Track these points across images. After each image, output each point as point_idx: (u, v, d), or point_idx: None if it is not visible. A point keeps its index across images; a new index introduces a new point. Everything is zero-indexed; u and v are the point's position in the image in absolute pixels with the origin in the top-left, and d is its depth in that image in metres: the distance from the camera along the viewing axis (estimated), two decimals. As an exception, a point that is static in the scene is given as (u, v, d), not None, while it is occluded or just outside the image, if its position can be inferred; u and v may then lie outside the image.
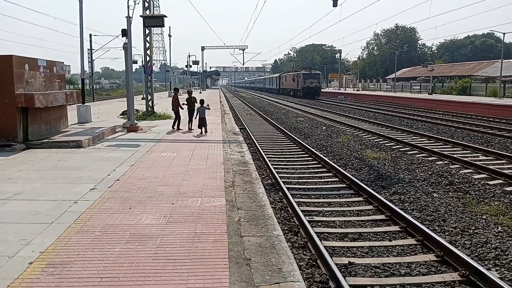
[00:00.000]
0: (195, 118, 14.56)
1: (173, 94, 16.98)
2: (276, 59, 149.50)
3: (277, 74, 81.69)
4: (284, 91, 68.10)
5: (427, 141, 15.18)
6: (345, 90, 64.57)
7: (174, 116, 15.62)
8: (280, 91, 71.67)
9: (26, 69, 10.81)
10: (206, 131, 14.15)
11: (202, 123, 14.10)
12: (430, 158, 11.89)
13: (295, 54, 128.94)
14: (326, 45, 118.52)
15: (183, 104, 15.41)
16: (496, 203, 7.72)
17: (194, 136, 13.62)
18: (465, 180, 9.28)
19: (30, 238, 4.56)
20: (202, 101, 14.62)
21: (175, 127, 15.28)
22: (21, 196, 6.28)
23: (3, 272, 3.79)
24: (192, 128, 14.91)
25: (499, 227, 6.50)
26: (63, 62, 13.67)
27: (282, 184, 8.57)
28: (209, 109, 15.27)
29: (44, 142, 11.02)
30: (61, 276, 3.69)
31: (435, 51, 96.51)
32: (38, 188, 6.71)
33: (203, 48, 75.75)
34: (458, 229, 6.38)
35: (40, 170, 8.15)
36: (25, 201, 6.00)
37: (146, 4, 19.28)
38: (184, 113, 15.44)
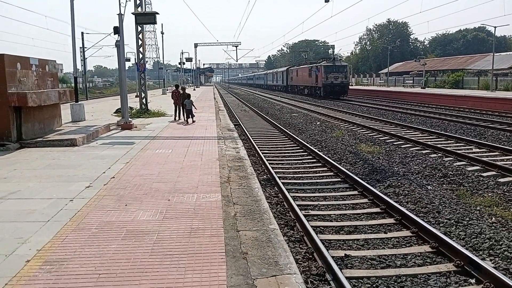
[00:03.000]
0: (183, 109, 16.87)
1: (173, 89, 18.78)
2: (269, 55, 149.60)
3: (284, 68, 64.96)
4: (294, 89, 54.38)
5: (420, 135, 15.27)
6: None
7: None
8: (289, 88, 57.86)
9: (18, 68, 10.73)
10: (193, 121, 16.54)
11: (188, 114, 16.61)
12: (424, 151, 11.97)
13: (288, 50, 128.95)
14: (319, 40, 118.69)
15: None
16: (489, 194, 7.80)
17: (185, 126, 15.63)
18: (459, 172, 9.36)
19: (26, 237, 4.55)
20: (188, 96, 17.00)
21: (176, 118, 17.36)
22: (16, 195, 6.26)
23: (0, 270, 3.78)
24: (188, 121, 16.73)
25: (493, 218, 6.57)
26: (55, 61, 13.58)
27: (277, 179, 8.59)
28: (195, 108, 17.36)
29: (38, 141, 10.97)
30: (59, 274, 3.70)
31: (428, 45, 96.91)
32: (33, 187, 6.69)
33: (196, 45, 75.50)
34: (453, 221, 6.44)
35: (34, 169, 8.12)
36: (20, 200, 5.99)
37: (138, 1, 19.18)
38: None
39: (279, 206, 7.25)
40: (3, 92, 10.15)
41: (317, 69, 42.89)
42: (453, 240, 5.47)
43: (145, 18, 18.34)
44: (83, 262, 3.92)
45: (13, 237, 4.55)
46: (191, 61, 73.12)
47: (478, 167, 9.77)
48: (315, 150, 11.78)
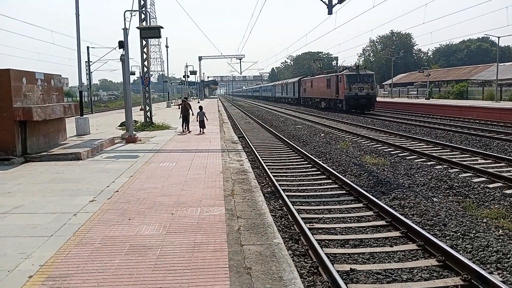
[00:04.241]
0: (197, 121, 17.99)
1: (182, 102, 20.07)
2: (273, 67, 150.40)
3: (296, 78, 60.20)
4: (308, 102, 49.87)
5: (425, 146, 15.20)
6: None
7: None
8: (301, 101, 53.52)
9: (23, 82, 10.83)
10: (203, 132, 17.48)
11: (201, 125, 17.64)
12: (429, 163, 11.90)
13: (292, 62, 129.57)
14: (322, 52, 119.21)
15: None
16: (496, 206, 7.72)
17: (193, 135, 16.55)
18: (465, 184, 9.28)
19: (29, 252, 4.54)
20: (200, 108, 18.33)
21: (184, 128, 18.28)
22: (20, 209, 6.26)
23: (2, 286, 3.76)
24: (190, 130, 18.15)
25: (500, 230, 6.49)
26: (60, 75, 13.70)
27: (281, 191, 8.55)
28: (207, 119, 18.40)
29: (43, 155, 11.01)
30: (61, 289, 3.67)
31: (431, 56, 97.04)
32: (37, 201, 6.69)
33: (200, 58, 76.25)
34: (459, 233, 6.36)
35: (39, 183, 8.13)
36: (24, 215, 5.98)
37: (143, 16, 19.40)
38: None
39: (283, 219, 7.20)
40: (9, 106, 10.24)
41: (338, 79, 37.62)
42: (460, 253, 5.40)
43: (150, 32, 18.53)
44: (86, 278, 3.89)
45: (16, 252, 4.54)
46: (195, 74, 73.74)
47: (484, 179, 9.69)
48: (320, 162, 11.74)
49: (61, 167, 9.84)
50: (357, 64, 47.56)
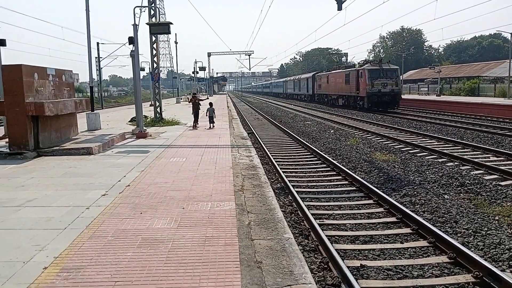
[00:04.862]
0: (207, 115, 18.32)
1: (192, 98, 20.33)
2: (282, 64, 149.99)
3: (310, 74, 56.94)
4: (323, 99, 46.73)
5: (436, 143, 15.09)
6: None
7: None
8: (316, 98, 50.60)
9: (35, 78, 10.95)
10: (213, 127, 17.95)
11: (211, 120, 18.17)
12: (440, 160, 11.81)
13: (301, 58, 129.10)
14: (332, 48, 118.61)
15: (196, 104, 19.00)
16: (508, 204, 7.64)
17: (203, 131, 16.79)
18: (476, 181, 9.20)
19: (44, 244, 4.61)
20: (211, 104, 18.61)
21: (196, 125, 18.46)
22: (33, 202, 6.35)
23: (18, 277, 3.83)
24: (197, 125, 18.53)
25: (512, 228, 6.43)
26: (71, 71, 13.82)
27: (291, 187, 8.56)
28: (215, 115, 19.10)
29: (55, 149, 11.14)
30: (75, 281, 3.73)
31: (442, 52, 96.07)
32: (50, 195, 6.78)
33: (209, 54, 76.21)
34: (471, 231, 6.32)
35: (51, 177, 8.24)
36: (37, 208, 6.07)
37: (152, 12, 19.46)
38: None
39: (293, 215, 7.21)
40: (21, 101, 10.36)
41: (358, 74, 34.27)
42: (472, 251, 5.36)
43: (159, 28, 18.60)
44: (99, 270, 3.95)
45: (30, 244, 4.61)
46: (205, 70, 73.80)
47: (496, 176, 9.60)
48: (329, 159, 11.71)
49: (73, 162, 9.95)
50: (380, 57, 43.00)
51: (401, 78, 35.42)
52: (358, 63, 39.25)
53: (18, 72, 10.33)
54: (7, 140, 11.36)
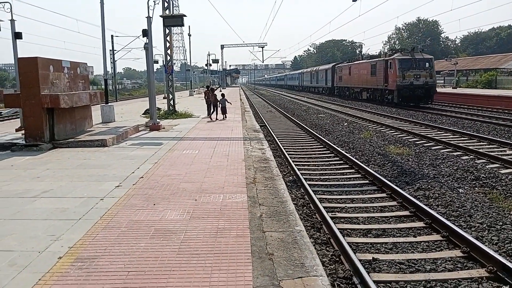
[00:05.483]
0: (219, 106, 18.85)
1: (207, 91, 20.44)
2: (295, 56, 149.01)
3: (329, 65, 52.20)
4: (344, 92, 42.61)
5: (451, 136, 14.87)
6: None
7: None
8: (335, 91, 46.71)
9: (51, 70, 11.09)
10: (225, 117, 18.73)
11: (223, 111, 18.80)
12: (455, 153, 11.64)
13: (315, 50, 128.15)
14: (346, 40, 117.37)
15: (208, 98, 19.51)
16: (524, 198, 7.51)
17: (216, 124, 17.06)
18: (492, 175, 9.05)
19: (58, 234, 4.70)
20: (223, 95, 19.19)
21: (212, 117, 18.79)
22: (49, 193, 6.46)
23: (34, 266, 3.92)
24: (212, 118, 18.75)
25: (528, 223, 6.32)
26: (86, 63, 13.96)
27: (303, 180, 8.54)
28: (230, 103, 20.15)
29: (70, 141, 11.30)
30: (90, 270, 3.80)
31: (459, 44, 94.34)
32: (65, 186, 6.89)
33: (222, 47, 76.20)
34: (485, 225, 6.23)
35: (66, 168, 8.36)
36: (53, 199, 6.18)
37: (166, 4, 19.50)
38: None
39: (305, 207, 7.21)
40: (37, 93, 10.51)
41: (386, 65, 30.36)
42: (486, 245, 5.29)
43: (173, 20, 18.65)
44: (113, 260, 4.01)
45: (45, 234, 4.70)
46: (218, 62, 73.82)
47: (512, 170, 9.43)
48: (342, 152, 11.65)
49: (88, 153, 10.08)
50: (412, 46, 37.46)
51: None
52: (379, 53, 36.26)
53: (34, 64, 10.47)
54: (23, 132, 11.56)
